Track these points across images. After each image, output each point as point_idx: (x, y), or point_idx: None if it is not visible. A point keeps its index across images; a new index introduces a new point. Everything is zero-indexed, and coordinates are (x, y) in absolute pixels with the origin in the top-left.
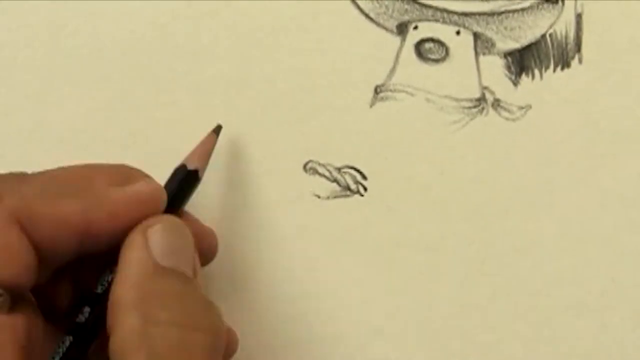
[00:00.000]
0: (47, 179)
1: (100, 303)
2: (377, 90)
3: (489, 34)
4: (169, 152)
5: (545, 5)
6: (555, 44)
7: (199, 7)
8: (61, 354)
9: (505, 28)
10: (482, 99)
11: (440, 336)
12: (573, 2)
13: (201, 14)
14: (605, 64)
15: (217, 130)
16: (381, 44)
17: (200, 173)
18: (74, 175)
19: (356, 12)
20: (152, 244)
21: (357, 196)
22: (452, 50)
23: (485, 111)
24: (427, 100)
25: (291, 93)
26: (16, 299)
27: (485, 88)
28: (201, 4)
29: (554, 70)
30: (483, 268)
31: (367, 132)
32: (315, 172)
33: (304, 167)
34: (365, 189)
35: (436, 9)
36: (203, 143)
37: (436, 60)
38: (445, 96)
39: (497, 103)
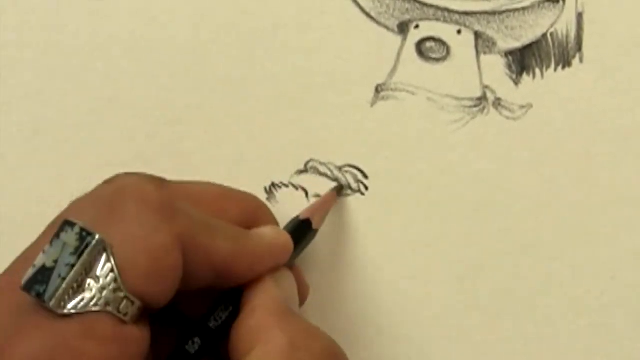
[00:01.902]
0: (194, 200)
1: (211, 336)
2: (378, 89)
3: (490, 33)
4: (169, 151)
5: (547, 4)
6: (556, 43)
7: (199, 7)
8: None
9: (507, 27)
10: (483, 98)
11: (440, 336)
12: (574, 1)
13: (201, 14)
14: (606, 63)
15: (337, 189)
16: (382, 43)
17: (317, 230)
18: (211, 199)
19: (357, 11)
20: (282, 289)
21: (358, 195)
22: (453, 50)
23: (486, 110)
24: (428, 99)
25: (291, 93)
26: (143, 314)
27: (487, 87)
28: (201, 4)
29: (555, 70)
30: (483, 268)
31: (368, 131)
32: (317, 171)
33: (305, 166)
34: (367, 188)
35: (437, 8)
36: (325, 200)
37: (437, 60)
38: (446, 95)
39: (498, 102)
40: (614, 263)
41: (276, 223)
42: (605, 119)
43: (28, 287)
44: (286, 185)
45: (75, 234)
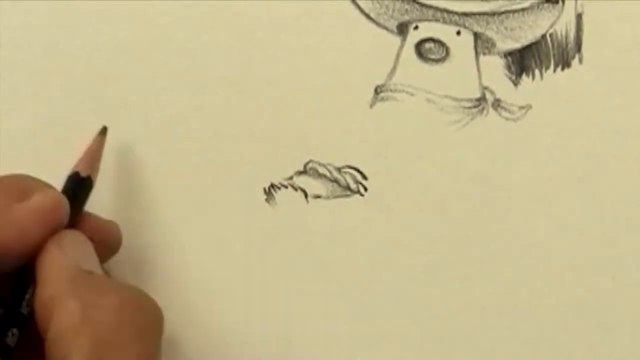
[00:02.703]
0: None
1: (27, 324)
2: (377, 90)
3: (490, 34)
4: (169, 151)
5: (546, 5)
6: (555, 44)
7: (199, 7)
8: None
9: (506, 28)
10: (482, 99)
11: (440, 336)
12: (573, 2)
13: (201, 14)
14: (605, 64)
15: (103, 132)
16: (381, 44)
17: (93, 179)
18: None
19: (356, 12)
20: (68, 253)
21: (357, 196)
22: (452, 50)
23: (485, 111)
24: (428, 100)
25: (291, 93)
26: None
27: (486, 88)
28: (201, 4)
29: (555, 70)
30: (483, 268)
31: (367, 132)
32: (316, 172)
33: (305, 167)
34: (366, 189)
35: (436, 9)
36: (91, 147)
37: (436, 60)
38: (446, 96)
39: (497, 103)
40: (614, 263)
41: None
42: (604, 119)
43: None
44: (285, 187)
45: None
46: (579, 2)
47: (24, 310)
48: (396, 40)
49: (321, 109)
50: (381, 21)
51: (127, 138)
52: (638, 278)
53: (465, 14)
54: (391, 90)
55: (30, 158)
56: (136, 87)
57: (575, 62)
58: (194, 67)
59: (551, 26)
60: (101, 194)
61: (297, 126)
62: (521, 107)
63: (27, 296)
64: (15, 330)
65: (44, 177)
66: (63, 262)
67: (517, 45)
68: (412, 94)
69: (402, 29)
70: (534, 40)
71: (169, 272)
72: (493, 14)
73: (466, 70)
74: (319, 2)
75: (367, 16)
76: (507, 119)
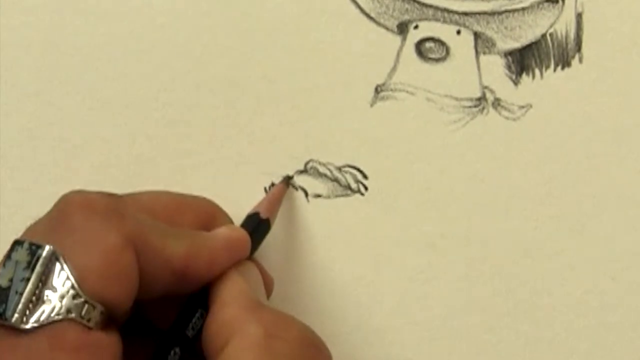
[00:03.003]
0: (147, 209)
1: (190, 346)
2: (377, 89)
3: (490, 33)
4: (169, 151)
5: (546, 4)
6: (555, 44)
7: (199, 7)
8: None
9: (506, 27)
10: (482, 99)
11: (440, 336)
12: (573, 1)
13: (201, 14)
14: (605, 64)
15: (287, 180)
16: (382, 43)
17: (271, 222)
18: (165, 208)
19: (357, 11)
20: (249, 282)
21: (357, 195)
22: (452, 50)
23: (485, 110)
24: (428, 99)
25: (291, 93)
26: (108, 320)
27: (486, 87)
28: (201, 4)
29: (555, 70)
30: (483, 268)
31: (367, 132)
32: (316, 171)
33: (305, 166)
34: (366, 188)
35: (437, 8)
36: (274, 193)
37: (437, 60)
38: (446, 95)
39: (497, 102)
40: (614, 263)
41: (232, 222)
42: (604, 119)
43: None
44: (286, 186)
45: (26, 250)
46: (579, 1)
47: (189, 333)
48: (396, 39)
49: (321, 108)
50: (381, 20)
51: (127, 138)
52: (638, 278)
53: (466, 14)
54: (391, 90)
55: (30, 158)
56: (136, 87)
57: (575, 61)
58: (194, 67)
59: (551, 26)
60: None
61: (297, 125)
62: (521, 107)
63: (194, 319)
64: (177, 350)
65: (43, 177)
66: (245, 289)
67: (517, 44)
68: (412, 94)
69: (403, 29)
70: (534, 40)
71: None
72: (493, 13)
73: (466, 69)
74: (319, 1)
75: (368, 15)
76: (507, 118)
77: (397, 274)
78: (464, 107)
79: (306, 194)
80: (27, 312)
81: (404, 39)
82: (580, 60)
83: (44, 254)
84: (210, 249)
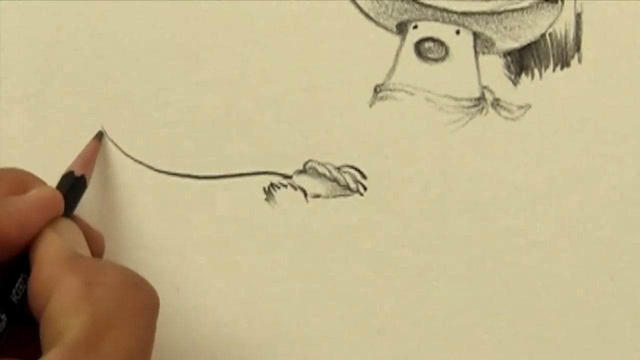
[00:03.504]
0: None
1: (17, 311)
2: (376, 89)
3: (489, 33)
4: (169, 151)
5: (545, 4)
6: (554, 44)
7: (199, 7)
8: None
9: (505, 27)
10: (481, 99)
11: (440, 336)
12: (572, 1)
13: (201, 14)
14: (604, 64)
15: (99, 136)
16: (381, 43)
17: (87, 179)
18: None
19: (356, 11)
20: (65, 237)
21: (356, 195)
22: (451, 50)
23: (484, 110)
24: (427, 99)
25: (291, 93)
26: None
27: (485, 87)
28: (201, 4)
29: (554, 70)
30: (483, 268)
31: (366, 132)
32: (315, 171)
33: (304, 166)
34: (365, 188)
35: (436, 8)
36: (87, 150)
37: (436, 60)
38: (445, 95)
39: (496, 102)
40: (614, 263)
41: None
42: (603, 119)
43: None
44: (285, 186)
45: None
46: (578, 1)
47: (14, 298)
48: (395, 39)
49: (320, 109)
50: (380, 20)
51: (127, 138)
52: (637, 278)
53: (465, 14)
54: (390, 90)
55: (30, 158)
56: (136, 87)
57: (574, 61)
58: (194, 67)
59: (550, 26)
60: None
61: (296, 125)
62: (520, 107)
63: (17, 284)
64: (3, 316)
65: (42, 177)
66: (61, 245)
67: (516, 44)
68: (411, 94)
69: (402, 29)
70: (533, 40)
71: (167, 271)
72: (492, 13)
73: (465, 69)
74: (319, 1)
75: (367, 15)
76: (506, 118)
77: (397, 274)
78: (463, 107)
79: (305, 194)
80: None
81: (403, 39)
82: (580, 61)
83: None
84: (20, 211)
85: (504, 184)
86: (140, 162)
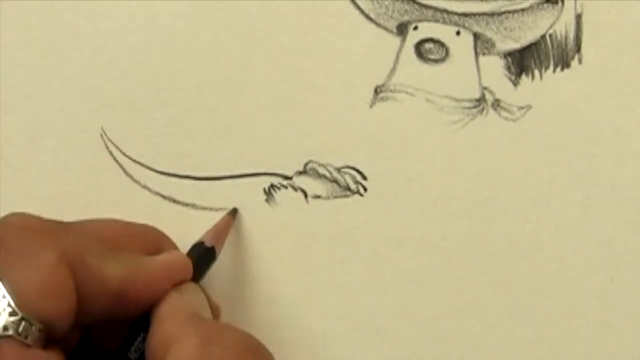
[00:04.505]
0: (90, 234)
1: None
2: (377, 90)
3: (489, 34)
4: (169, 151)
5: (545, 5)
6: (555, 45)
7: (199, 7)
8: None
9: (505, 28)
10: (482, 99)
11: (439, 336)
12: (573, 2)
13: (201, 14)
14: (604, 65)
15: (233, 213)
16: (381, 44)
17: (217, 251)
18: (112, 235)
19: (356, 12)
20: (187, 299)
21: (357, 196)
22: (452, 51)
23: (485, 111)
24: (427, 100)
25: (291, 93)
26: (50, 339)
27: (485, 88)
28: (201, 4)
29: (554, 71)
30: (483, 268)
31: (367, 132)
32: (316, 172)
33: (304, 167)
34: (365, 189)
35: (436, 9)
36: (220, 223)
37: (436, 61)
38: (445, 96)
39: (497, 103)
40: (614, 263)
41: (177, 249)
42: (604, 119)
43: None
44: (285, 187)
45: None
46: (578, 2)
47: (132, 356)
48: (396, 40)
49: (321, 109)
50: (381, 21)
51: (127, 138)
52: (637, 279)
53: (465, 14)
54: (391, 91)
55: (30, 158)
56: (136, 87)
57: (574, 62)
58: (194, 67)
59: (551, 26)
60: None
61: (296, 126)
62: (521, 108)
63: (136, 342)
64: None
65: (43, 177)
66: (182, 305)
67: (516, 45)
68: (411, 94)
69: (402, 29)
70: (533, 41)
71: None
72: (493, 14)
73: (466, 70)
74: (319, 2)
75: (367, 16)
76: (506, 119)
77: (397, 274)
78: (464, 108)
79: (305, 195)
80: None
81: (403, 40)
82: (580, 61)
83: None
84: (150, 272)
85: (504, 185)
86: (140, 163)
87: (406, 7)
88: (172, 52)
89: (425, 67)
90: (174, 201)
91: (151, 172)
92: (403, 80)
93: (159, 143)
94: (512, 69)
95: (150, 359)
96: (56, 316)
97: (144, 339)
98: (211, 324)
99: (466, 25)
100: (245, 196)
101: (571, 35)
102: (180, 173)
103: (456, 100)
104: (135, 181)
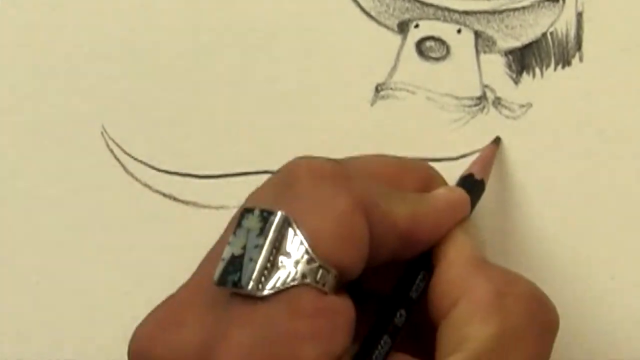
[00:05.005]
0: (371, 174)
1: (414, 307)
2: (378, 88)
3: (490, 32)
4: (170, 150)
5: (546, 3)
6: (556, 43)
7: (199, 7)
8: (384, 354)
9: (506, 26)
10: (483, 98)
11: None
12: (574, 0)
13: (201, 14)
14: (605, 63)
15: (497, 141)
16: (382, 42)
17: (485, 182)
18: (388, 172)
19: (357, 10)
20: (474, 241)
21: None
22: (453, 49)
23: (486, 109)
24: (428, 98)
25: (291, 92)
26: (340, 285)
27: (486, 86)
28: (201, 4)
29: (555, 69)
30: None
31: (368, 131)
32: None
33: None
34: None
35: (437, 7)
36: (486, 153)
37: (437, 59)
38: (446, 94)
39: (498, 101)
40: (614, 263)
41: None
42: (604, 118)
43: (222, 280)
44: None
45: (257, 217)
46: (579, 0)
47: (413, 295)
48: (397, 38)
49: (322, 107)
50: (382, 19)
51: (127, 137)
52: (638, 278)
53: (466, 12)
54: (392, 89)
55: (30, 157)
56: (136, 87)
57: (575, 60)
58: (194, 67)
59: (552, 24)
60: None
61: (297, 124)
62: (522, 106)
63: (417, 281)
64: (403, 312)
65: (42, 177)
66: (471, 248)
67: (517, 43)
68: (412, 93)
69: (403, 28)
70: (534, 39)
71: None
72: (494, 12)
73: (467, 68)
74: (319, 1)
75: (368, 14)
76: (507, 117)
77: None
78: (465, 106)
79: None
80: (263, 279)
81: (404, 38)
82: (581, 59)
83: (277, 220)
84: (435, 211)
85: (503, 183)
86: (141, 161)
87: (407, 5)
88: (173, 50)
89: (426, 65)
90: (175, 199)
91: (152, 171)
92: (404, 78)
93: (160, 141)
94: (513, 67)
95: (437, 304)
96: (352, 263)
97: (424, 278)
98: (502, 271)
99: (467, 23)
100: (246, 194)
101: (572, 33)
102: (181, 171)
103: (457, 98)
104: (136, 179)
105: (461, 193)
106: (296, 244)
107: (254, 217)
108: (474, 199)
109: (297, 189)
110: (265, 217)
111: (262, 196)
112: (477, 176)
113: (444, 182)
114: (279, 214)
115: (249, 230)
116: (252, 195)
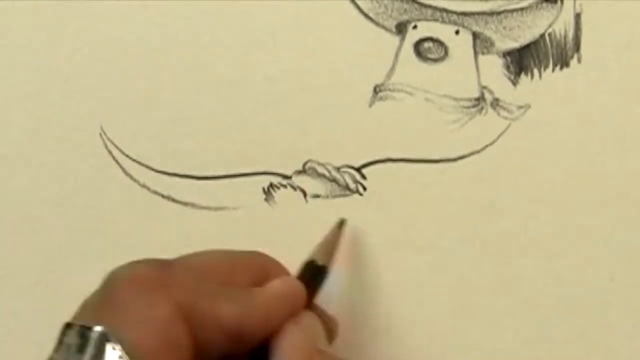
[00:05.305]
0: (197, 273)
1: None
2: (376, 89)
3: (488, 33)
4: (168, 151)
5: (544, 4)
6: (554, 44)
7: (199, 7)
8: None
9: (505, 27)
10: (481, 99)
11: (440, 336)
12: (572, 1)
13: (201, 14)
14: (604, 64)
15: (341, 224)
16: (380, 43)
17: (328, 267)
18: (219, 269)
19: (355, 11)
20: (307, 334)
21: (356, 195)
22: (451, 50)
23: (484, 111)
24: (426, 99)
25: (290, 93)
26: None
27: (485, 87)
28: (201, 4)
29: (553, 70)
30: (483, 268)
31: (366, 132)
32: (315, 171)
33: (304, 166)
34: (365, 189)
35: (435, 8)
36: (329, 238)
37: (435, 60)
38: (445, 96)
39: (496, 102)
40: (614, 263)
41: (287, 273)
42: (603, 119)
43: None
44: (284, 186)
45: (76, 333)
46: (577, 1)
47: None
48: (395, 39)
49: (320, 109)
50: (380, 21)
51: (127, 138)
52: (638, 278)
53: (464, 14)
54: (390, 90)
55: (30, 157)
56: (134, 88)
57: (573, 61)
58: (194, 67)
59: (550, 26)
60: None
61: (296, 126)
62: (520, 107)
63: None
64: None
65: (42, 177)
66: (303, 342)
67: (515, 44)
68: (411, 94)
69: (401, 29)
70: (532, 40)
71: None
72: (492, 13)
73: (465, 69)
74: (318, 1)
75: (366, 16)
76: (505, 118)
77: (397, 274)
78: (463, 107)
79: (305, 195)
80: None
81: (402, 39)
82: (579, 61)
83: (94, 335)
84: (264, 306)
85: (502, 184)
86: (140, 162)
87: (405, 6)
88: (172, 51)
89: (425, 66)
90: (173, 200)
91: (150, 171)
92: (402, 79)
93: (158, 142)
94: (511, 68)
95: None
96: None
97: None
98: None
99: (465, 24)
100: (245, 195)
101: (570, 34)
102: (180, 172)
103: (455, 99)
104: (135, 180)
105: (295, 284)
106: (116, 358)
107: (73, 333)
108: (316, 285)
109: (116, 300)
110: (84, 333)
111: (86, 308)
112: (319, 262)
113: (282, 271)
114: (97, 329)
115: (69, 346)
116: (80, 306)
